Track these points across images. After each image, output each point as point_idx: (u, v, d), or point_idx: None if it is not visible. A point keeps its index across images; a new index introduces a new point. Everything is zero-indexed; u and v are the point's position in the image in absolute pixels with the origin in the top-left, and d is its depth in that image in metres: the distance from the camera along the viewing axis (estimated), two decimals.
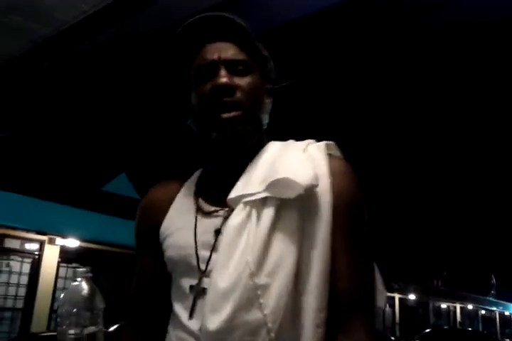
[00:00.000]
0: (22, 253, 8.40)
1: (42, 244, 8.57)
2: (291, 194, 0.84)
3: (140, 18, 2.13)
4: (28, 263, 8.44)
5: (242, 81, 0.94)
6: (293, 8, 1.89)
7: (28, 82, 2.69)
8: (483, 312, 28.13)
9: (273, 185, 0.85)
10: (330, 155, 0.94)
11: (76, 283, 0.83)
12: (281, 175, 0.85)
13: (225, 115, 0.91)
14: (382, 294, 0.94)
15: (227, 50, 0.95)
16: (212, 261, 0.89)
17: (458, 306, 24.30)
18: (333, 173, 0.90)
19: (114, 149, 7.52)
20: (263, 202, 0.87)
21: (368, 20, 1.93)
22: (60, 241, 8.60)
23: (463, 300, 23.75)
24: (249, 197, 0.88)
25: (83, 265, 9.26)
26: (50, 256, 8.64)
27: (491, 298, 27.47)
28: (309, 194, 0.86)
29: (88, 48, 2.36)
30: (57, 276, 8.73)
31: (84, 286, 0.83)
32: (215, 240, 0.91)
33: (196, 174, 1.08)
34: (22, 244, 8.42)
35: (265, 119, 1.00)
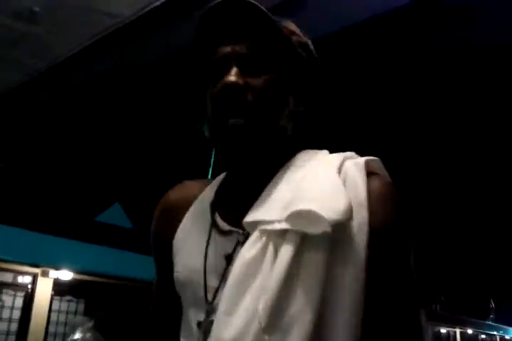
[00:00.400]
0: (15, 286, 8.26)
1: (35, 276, 8.44)
2: (315, 230, 0.68)
3: (135, 49, 2.18)
4: (20, 297, 8.29)
5: (256, 81, 0.78)
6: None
7: (25, 114, 2.72)
8: (483, 336, 27.77)
9: (295, 215, 0.69)
10: (370, 175, 0.77)
11: (79, 334, 0.81)
12: (304, 205, 0.68)
13: (233, 120, 0.76)
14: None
15: (243, 43, 0.79)
16: (219, 292, 0.76)
17: (458, 331, 23.99)
18: (371, 197, 0.74)
19: (107, 179, 7.52)
20: (283, 234, 0.71)
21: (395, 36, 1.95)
22: (53, 273, 8.48)
23: (462, 324, 23.46)
24: (266, 224, 0.72)
25: (77, 298, 9.12)
26: (44, 289, 8.50)
27: (490, 322, 27.18)
28: (340, 230, 0.69)
29: (84, 79, 2.40)
30: (50, 310, 8.56)
31: (88, 337, 0.80)
32: (226, 268, 0.77)
33: (219, 178, 0.91)
34: (15, 277, 8.28)
35: (288, 125, 0.81)
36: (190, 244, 0.84)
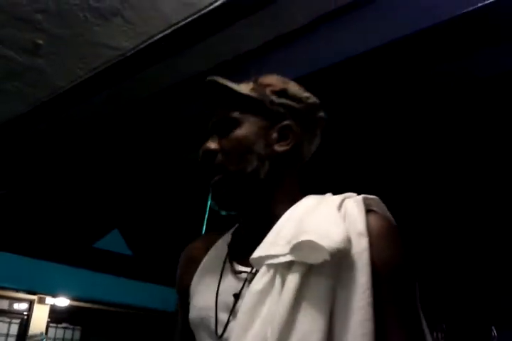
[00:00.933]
0: (10, 313, 8.16)
1: (31, 303, 8.36)
2: (315, 259, 0.73)
3: (135, 81, 2.21)
4: (16, 323, 8.18)
5: (225, 141, 0.90)
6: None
7: (25, 143, 2.75)
8: None
9: (298, 247, 0.75)
10: (370, 212, 0.83)
11: None
12: (305, 236, 0.74)
13: (212, 180, 0.89)
14: None
15: (216, 114, 0.94)
16: (230, 326, 0.82)
17: None
18: (371, 234, 0.78)
19: (106, 206, 7.51)
20: (288, 266, 0.76)
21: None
22: (50, 300, 8.39)
23: None
24: (272, 259, 0.78)
25: (73, 325, 8.99)
26: (40, 316, 8.40)
27: None
28: (341, 258, 0.74)
29: (83, 111, 2.42)
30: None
31: None
32: (235, 304, 0.83)
33: (233, 229, 1.00)
34: (10, 304, 8.20)
35: (260, 169, 0.88)
36: (204, 286, 0.92)
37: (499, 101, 3.48)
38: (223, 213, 0.92)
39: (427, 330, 0.80)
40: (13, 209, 4.24)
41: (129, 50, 2.00)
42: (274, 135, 0.90)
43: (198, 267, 0.96)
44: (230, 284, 0.87)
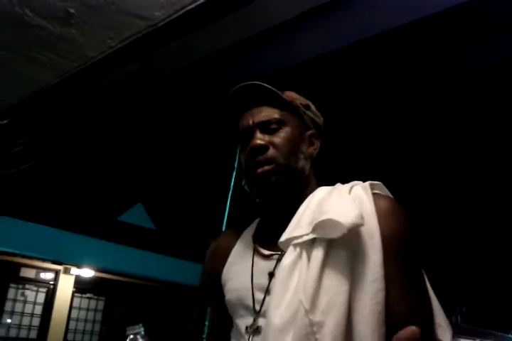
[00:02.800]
0: (37, 282, 8.39)
1: (57, 273, 8.57)
2: (335, 234, 0.86)
3: (164, 54, 2.19)
4: (42, 292, 8.42)
5: (275, 137, 1.03)
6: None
7: (54, 114, 2.76)
8: None
9: (319, 226, 0.89)
10: (376, 195, 0.97)
11: (131, 339, 0.88)
12: (325, 216, 0.88)
13: (259, 170, 1.00)
14: (446, 331, 0.93)
15: (260, 114, 1.06)
16: (266, 301, 0.96)
17: None
18: (379, 213, 0.92)
19: (131, 180, 7.58)
20: (311, 243, 0.91)
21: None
22: (75, 270, 8.59)
23: (484, 337, 23.01)
24: (297, 239, 0.92)
25: (97, 295, 9.22)
26: (65, 286, 8.62)
27: None
28: (356, 234, 0.88)
29: (113, 82, 2.41)
30: (71, 306, 8.68)
31: None
32: (269, 282, 0.97)
33: (255, 222, 1.16)
34: (37, 274, 8.42)
35: (305, 166, 1.05)
36: (238, 271, 1.06)
37: (487, 93, 3.42)
38: (259, 200, 1.06)
39: (432, 294, 0.95)
40: (42, 180, 4.30)
41: (160, 21, 1.98)
42: (307, 139, 1.08)
43: (227, 257, 1.11)
44: (261, 267, 1.01)
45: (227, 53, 2.11)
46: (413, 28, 1.71)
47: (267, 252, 1.03)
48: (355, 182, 1.03)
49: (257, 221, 1.16)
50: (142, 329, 0.91)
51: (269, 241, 1.03)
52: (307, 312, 0.83)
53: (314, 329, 0.82)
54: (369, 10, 1.73)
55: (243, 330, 0.98)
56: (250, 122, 1.05)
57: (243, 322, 1.00)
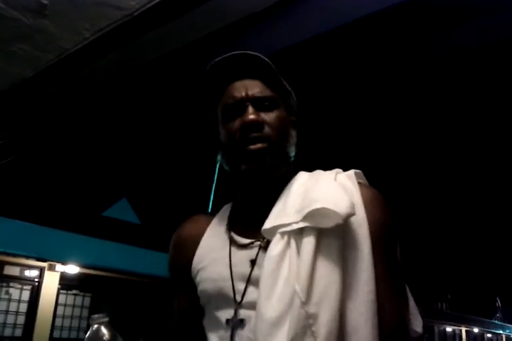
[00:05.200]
0: (22, 280, 8.32)
1: (42, 270, 8.50)
2: (329, 223, 0.84)
3: (141, 43, 2.18)
4: (27, 290, 8.35)
5: (269, 116, 0.97)
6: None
7: (32, 107, 2.73)
8: (489, 335, 27.67)
9: (311, 214, 0.85)
10: (360, 184, 0.95)
11: (94, 330, 0.83)
12: (318, 204, 0.84)
13: (252, 147, 0.94)
14: (417, 319, 0.94)
15: (254, 88, 0.98)
16: (248, 292, 0.91)
17: (463, 330, 23.92)
18: (365, 202, 0.91)
19: (115, 174, 7.54)
20: (300, 232, 0.86)
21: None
22: (60, 267, 8.53)
23: (468, 323, 23.39)
24: (285, 227, 0.88)
25: (83, 292, 9.17)
26: (50, 283, 8.56)
27: (496, 321, 27.06)
28: (347, 223, 0.86)
29: (90, 73, 2.40)
30: (56, 303, 8.63)
31: (104, 332, 0.83)
32: (251, 271, 0.92)
33: (225, 208, 1.09)
34: (22, 271, 8.35)
35: (292, 151, 1.01)
36: (212, 260, 0.99)
37: (457, 78, 3.49)
38: (252, 181, 0.98)
39: (405, 283, 0.95)
40: (22, 176, 4.26)
41: (136, 10, 1.96)
42: (292, 119, 1.04)
43: (197, 245, 1.03)
44: (240, 256, 0.95)
45: (204, 43, 2.10)
46: (377, 19, 1.73)
47: (245, 240, 0.97)
48: (337, 169, 1.00)
49: (227, 208, 1.09)
50: (107, 319, 0.86)
51: (246, 228, 0.99)
52: (303, 303, 0.80)
53: (310, 321, 0.79)
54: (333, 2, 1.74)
55: (223, 322, 0.93)
56: (243, 94, 0.97)
57: (222, 313, 0.94)
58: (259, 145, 0.94)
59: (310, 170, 1.05)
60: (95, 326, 0.84)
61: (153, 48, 2.17)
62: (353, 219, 0.86)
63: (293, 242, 0.86)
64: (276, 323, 0.81)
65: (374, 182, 1.01)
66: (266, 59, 0.98)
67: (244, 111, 0.96)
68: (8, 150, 3.30)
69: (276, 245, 0.87)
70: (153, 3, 1.90)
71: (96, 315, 0.86)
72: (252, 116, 0.95)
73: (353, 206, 0.84)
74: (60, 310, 8.70)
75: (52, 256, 8.15)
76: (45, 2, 2.01)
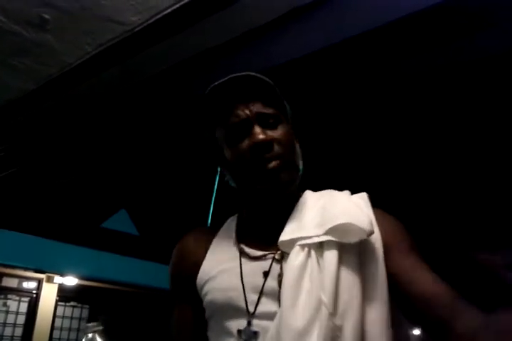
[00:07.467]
0: (19, 292, 8.26)
1: (40, 282, 8.44)
2: (353, 238, 0.88)
3: (142, 58, 2.19)
4: (25, 302, 8.29)
5: (276, 133, 0.98)
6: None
7: (32, 121, 2.74)
8: None
9: (334, 229, 0.88)
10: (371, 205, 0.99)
11: (89, 338, 0.84)
12: (343, 220, 0.88)
13: (269, 165, 0.94)
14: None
15: (257, 106, 0.98)
16: (261, 303, 0.91)
17: None
18: (377, 220, 0.95)
19: (114, 186, 7.53)
20: (320, 246, 0.89)
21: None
22: (58, 279, 8.48)
23: None
24: (305, 240, 0.90)
25: (82, 303, 9.11)
26: (48, 295, 8.50)
27: None
28: (365, 240, 0.89)
29: (91, 88, 2.41)
30: (54, 315, 8.55)
31: (99, 340, 0.83)
32: (264, 282, 0.92)
33: (230, 222, 1.11)
34: (20, 283, 8.29)
35: (301, 165, 1.02)
36: (221, 271, 0.99)
37: (468, 89, 3.49)
38: (268, 198, 0.99)
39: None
40: (22, 188, 4.25)
41: (137, 25, 1.98)
42: (297, 136, 1.05)
43: (203, 256, 1.04)
44: (252, 267, 0.96)
45: (205, 57, 2.11)
46: (394, 28, 1.73)
47: (258, 252, 0.97)
48: (346, 191, 1.04)
49: (231, 221, 1.10)
50: (101, 327, 0.86)
51: (256, 241, 0.99)
52: (331, 315, 0.81)
53: (338, 333, 0.81)
54: (350, 10, 1.74)
55: (233, 333, 0.92)
56: (248, 112, 0.97)
57: (233, 324, 0.93)
58: (274, 163, 0.94)
59: (320, 184, 1.09)
60: (90, 334, 0.84)
61: (154, 63, 2.18)
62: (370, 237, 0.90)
63: (313, 254, 0.88)
64: (304, 334, 0.81)
65: (386, 196, 1.09)
66: (266, 79, 0.99)
67: (251, 130, 0.97)
68: (8, 163, 3.30)
69: (297, 256, 0.88)
70: (154, 18, 1.92)
71: (91, 324, 0.86)
72: (261, 136, 0.95)
73: (372, 224, 0.88)
74: (58, 322, 8.62)
75: (50, 267, 8.10)
76: (47, 17, 2.03)
